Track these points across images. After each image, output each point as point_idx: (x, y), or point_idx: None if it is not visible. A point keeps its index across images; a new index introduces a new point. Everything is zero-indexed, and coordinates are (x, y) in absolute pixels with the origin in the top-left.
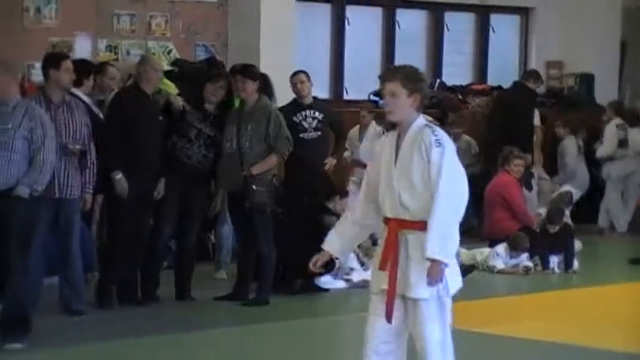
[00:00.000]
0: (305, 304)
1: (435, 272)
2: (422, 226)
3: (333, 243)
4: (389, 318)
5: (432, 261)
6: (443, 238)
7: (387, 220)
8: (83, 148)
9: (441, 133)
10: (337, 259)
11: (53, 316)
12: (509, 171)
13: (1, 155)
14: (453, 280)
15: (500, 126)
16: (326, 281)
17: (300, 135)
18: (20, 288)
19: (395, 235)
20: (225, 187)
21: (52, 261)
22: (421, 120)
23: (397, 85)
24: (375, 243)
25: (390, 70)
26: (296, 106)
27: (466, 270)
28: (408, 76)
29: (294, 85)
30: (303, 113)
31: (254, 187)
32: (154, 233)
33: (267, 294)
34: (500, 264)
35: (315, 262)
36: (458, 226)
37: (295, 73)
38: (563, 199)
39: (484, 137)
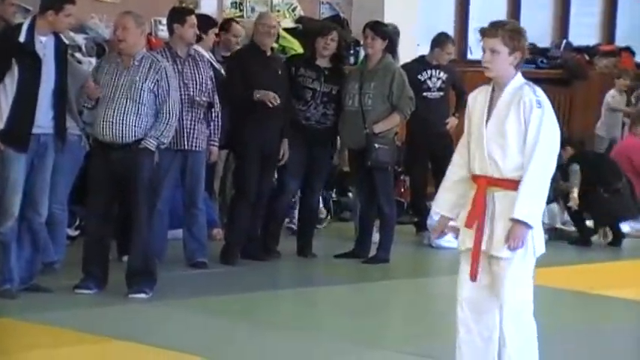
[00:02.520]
0: (424, 263)
1: (519, 234)
2: (511, 184)
3: (443, 203)
4: (473, 277)
5: (517, 222)
6: (532, 201)
7: (475, 178)
8: (209, 100)
9: (542, 94)
10: (453, 218)
11: (177, 269)
12: (635, 134)
13: (128, 108)
14: (539, 242)
15: None
16: (447, 240)
17: (424, 94)
18: (146, 240)
19: (483, 193)
20: (347, 145)
21: (177, 213)
22: (520, 78)
23: (499, 41)
24: None
25: (492, 25)
26: (421, 64)
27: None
28: (511, 33)
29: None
30: (429, 72)
31: (376, 145)
32: (278, 190)
33: (387, 252)
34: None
35: (440, 231)
36: (548, 190)
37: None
38: None
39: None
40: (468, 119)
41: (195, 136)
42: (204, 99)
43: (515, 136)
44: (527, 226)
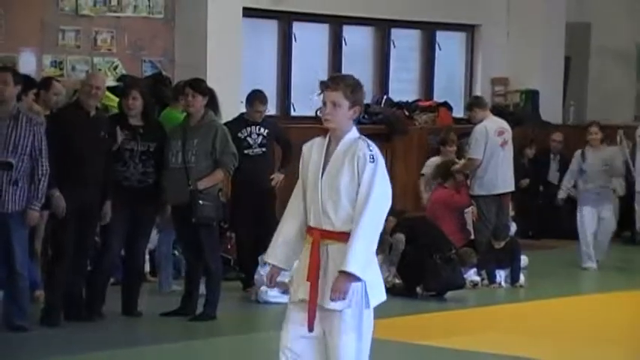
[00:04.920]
0: (251, 319)
1: (342, 287)
2: (343, 237)
3: (275, 255)
4: (310, 327)
5: (345, 274)
6: (362, 255)
7: (309, 229)
8: (12, 161)
9: (375, 148)
10: (287, 270)
11: None
12: (445, 187)
13: None
14: (375, 292)
15: None
16: (273, 295)
17: (245, 151)
18: None
19: (317, 246)
20: (171, 202)
21: None
22: (355, 132)
23: (340, 94)
24: None
25: (334, 79)
26: (241, 122)
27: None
28: (352, 87)
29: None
30: (248, 129)
31: (200, 201)
32: (102, 250)
33: (214, 308)
34: None
35: (271, 279)
36: (377, 242)
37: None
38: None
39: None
40: (305, 169)
41: (5, 198)
42: (9, 160)
43: (347, 189)
44: (357, 279)
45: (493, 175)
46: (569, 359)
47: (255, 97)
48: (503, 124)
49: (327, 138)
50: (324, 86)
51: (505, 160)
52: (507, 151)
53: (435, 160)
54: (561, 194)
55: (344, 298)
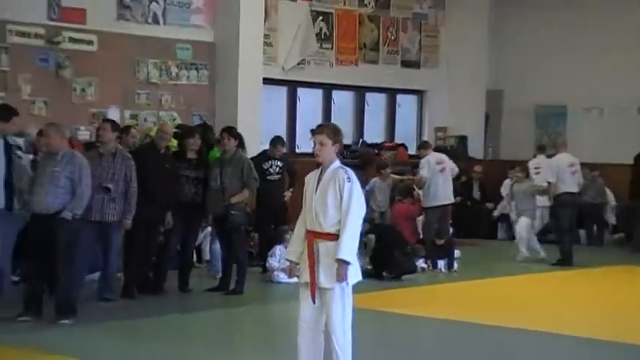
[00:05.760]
0: (267, 293)
1: (342, 270)
2: (329, 237)
3: (293, 253)
4: (313, 300)
5: (342, 261)
6: (349, 247)
7: (306, 232)
8: (110, 186)
9: (350, 172)
10: (298, 264)
11: (92, 302)
12: (403, 202)
13: (51, 189)
14: (353, 274)
15: None
16: (282, 277)
17: (267, 177)
18: (66, 283)
19: (312, 243)
20: (212, 213)
21: (95, 262)
22: (337, 162)
23: (325, 136)
24: None
25: (320, 126)
26: (264, 157)
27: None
28: (333, 131)
29: (274, 148)
30: (269, 162)
31: (232, 212)
32: (164, 245)
33: (242, 286)
34: None
35: (291, 272)
36: (358, 239)
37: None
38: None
39: None
40: (305, 193)
41: (106, 211)
42: (109, 185)
43: (333, 202)
44: (348, 263)
45: (434, 191)
46: (488, 320)
47: (278, 141)
48: (442, 156)
49: (320, 169)
50: (313, 132)
51: (444, 181)
52: (446, 174)
53: (375, 180)
54: (496, 213)
55: (346, 279)
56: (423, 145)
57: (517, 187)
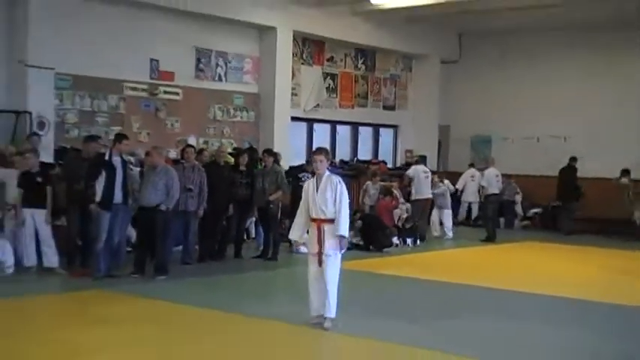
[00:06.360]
0: (293, 260)
1: (343, 243)
2: (330, 221)
3: (296, 234)
4: (320, 263)
5: (341, 236)
6: (344, 226)
7: (313, 220)
8: (191, 187)
9: (339, 178)
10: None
11: (178, 265)
12: (384, 200)
13: (153, 191)
14: (344, 246)
15: None
16: (302, 249)
17: (300, 183)
18: (161, 252)
19: (319, 226)
20: (257, 205)
21: (180, 238)
22: (327, 172)
23: (322, 156)
24: None
25: (318, 149)
26: (300, 169)
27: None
28: (326, 153)
29: (307, 165)
30: (303, 173)
31: (271, 205)
32: (225, 228)
33: (276, 255)
34: None
35: (297, 245)
36: (349, 222)
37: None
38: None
39: None
40: (306, 194)
41: (188, 204)
42: (191, 187)
43: (330, 198)
44: (344, 237)
45: (419, 189)
46: (443, 278)
47: (310, 160)
48: (425, 168)
49: (315, 178)
50: (314, 153)
51: (424, 183)
52: (427, 179)
53: (368, 183)
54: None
55: (344, 248)
56: (417, 161)
57: (436, 190)
